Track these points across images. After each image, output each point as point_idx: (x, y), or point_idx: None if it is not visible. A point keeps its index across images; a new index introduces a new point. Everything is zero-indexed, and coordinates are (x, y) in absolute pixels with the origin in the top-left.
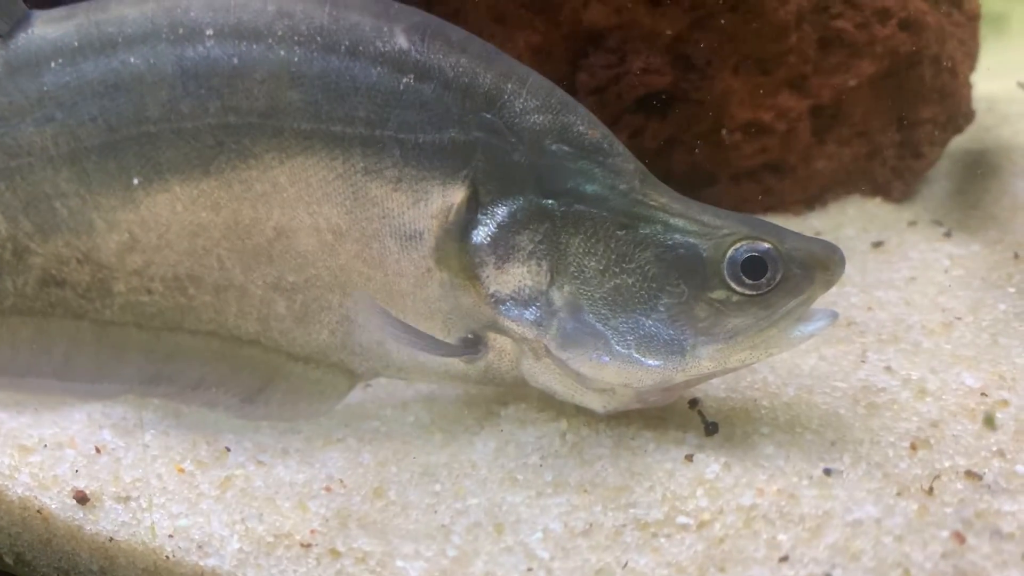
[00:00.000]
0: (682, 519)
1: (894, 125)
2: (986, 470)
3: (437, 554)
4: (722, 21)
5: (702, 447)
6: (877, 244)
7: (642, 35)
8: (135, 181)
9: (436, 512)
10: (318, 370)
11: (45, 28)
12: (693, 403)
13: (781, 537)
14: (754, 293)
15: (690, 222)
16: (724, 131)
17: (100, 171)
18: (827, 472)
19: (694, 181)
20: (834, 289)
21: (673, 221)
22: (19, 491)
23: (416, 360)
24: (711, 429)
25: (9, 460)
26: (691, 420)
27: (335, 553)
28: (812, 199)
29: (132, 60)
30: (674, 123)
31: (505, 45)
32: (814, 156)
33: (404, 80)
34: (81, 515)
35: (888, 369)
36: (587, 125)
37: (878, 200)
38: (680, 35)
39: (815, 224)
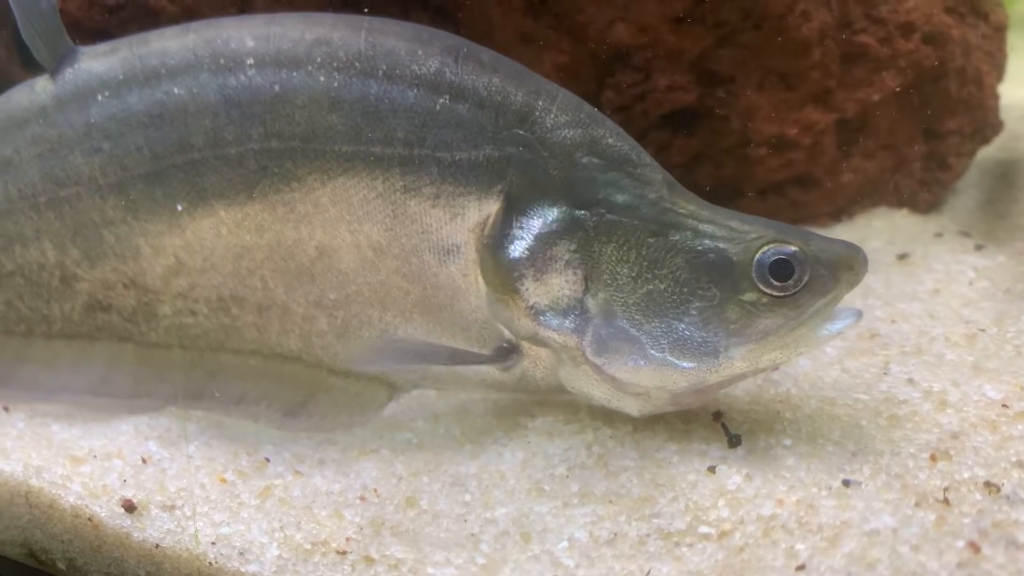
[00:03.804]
0: (704, 529)
1: (920, 137)
2: (1005, 481)
3: (466, 561)
4: (746, 38)
5: (725, 459)
6: (902, 256)
7: (667, 53)
8: (181, 207)
9: (466, 521)
10: (359, 383)
11: (91, 63)
12: (717, 416)
13: (799, 546)
14: (783, 294)
15: (718, 227)
16: (751, 145)
17: (146, 198)
18: (846, 483)
19: (721, 196)
20: (859, 302)
21: (702, 227)
22: (71, 500)
23: (453, 371)
24: (734, 441)
25: (62, 470)
26: (715, 432)
27: (369, 560)
28: (839, 211)
29: (176, 91)
30: (700, 139)
31: (532, 65)
32: (840, 169)
33: (440, 101)
34: (129, 523)
35: (910, 381)
36: (615, 137)
37: (905, 212)
38: (704, 52)
39: (841, 237)
